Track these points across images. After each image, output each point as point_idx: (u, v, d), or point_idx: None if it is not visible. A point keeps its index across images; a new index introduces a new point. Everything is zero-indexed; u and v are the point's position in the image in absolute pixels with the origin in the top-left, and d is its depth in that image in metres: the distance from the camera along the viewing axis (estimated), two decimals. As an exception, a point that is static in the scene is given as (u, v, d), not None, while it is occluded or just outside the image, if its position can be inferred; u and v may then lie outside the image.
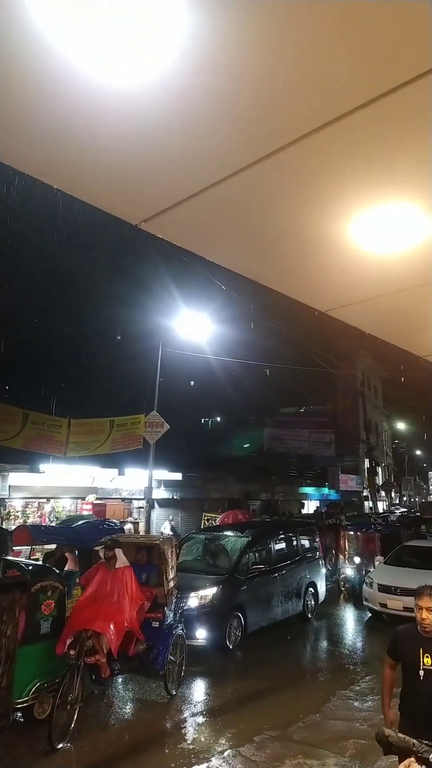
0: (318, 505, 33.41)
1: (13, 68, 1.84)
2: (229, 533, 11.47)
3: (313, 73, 1.85)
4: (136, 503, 21.32)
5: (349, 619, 12.55)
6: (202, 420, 39.07)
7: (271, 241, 2.93)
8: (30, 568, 6.61)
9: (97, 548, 7.33)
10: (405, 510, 38.02)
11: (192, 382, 29.76)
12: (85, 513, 17.11)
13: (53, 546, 9.87)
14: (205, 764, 5.52)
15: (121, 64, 1.80)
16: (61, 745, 5.68)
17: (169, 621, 7.43)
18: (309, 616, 11.75)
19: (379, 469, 44.61)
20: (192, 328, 19.89)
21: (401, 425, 55.99)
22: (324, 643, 10.84)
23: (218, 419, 39.40)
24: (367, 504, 37.61)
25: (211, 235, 2.87)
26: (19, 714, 5.95)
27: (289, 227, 2.76)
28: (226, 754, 5.73)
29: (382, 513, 30.88)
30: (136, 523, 19.71)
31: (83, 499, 18.32)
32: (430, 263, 2.94)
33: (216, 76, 1.86)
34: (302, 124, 2.05)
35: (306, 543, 12.55)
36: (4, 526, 14.45)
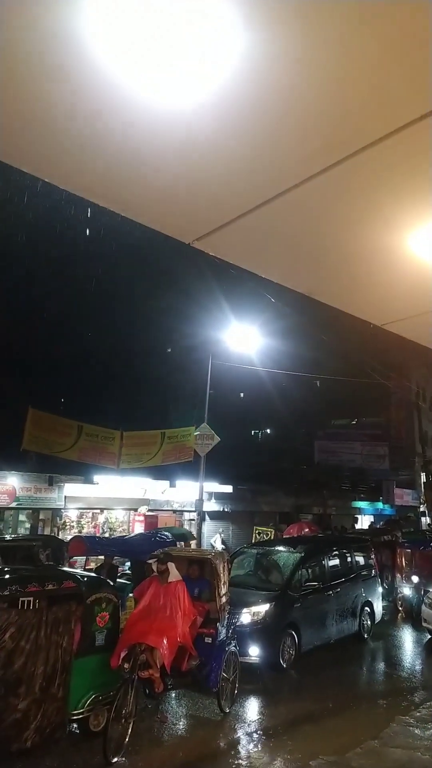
0: (372, 520, 32.53)
1: (69, 91, 1.88)
2: (281, 548, 11.30)
3: (367, 88, 1.82)
4: (187, 515, 21.38)
5: (408, 640, 12.09)
6: (252, 432, 38.87)
7: (324, 256, 2.90)
8: (85, 579, 6.70)
9: (150, 561, 7.36)
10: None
11: (242, 394, 29.75)
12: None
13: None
14: (260, 787, 5.40)
15: (175, 83, 1.82)
16: (115, 759, 5.69)
17: (221, 637, 7.35)
18: (365, 636, 11.39)
19: (437, 484, 43.04)
20: (241, 340, 19.91)
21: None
22: (381, 665, 10.47)
23: (268, 431, 39.11)
24: (425, 520, 36.33)
25: (264, 252, 2.86)
26: (75, 725, 6.01)
27: (343, 242, 2.73)
28: (281, 777, 5.59)
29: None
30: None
31: (136, 510, 18.53)
32: None
33: (268, 93, 1.85)
34: (357, 139, 2.03)
35: (361, 560, 12.20)
36: (60, 537, 14.78)
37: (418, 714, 7.46)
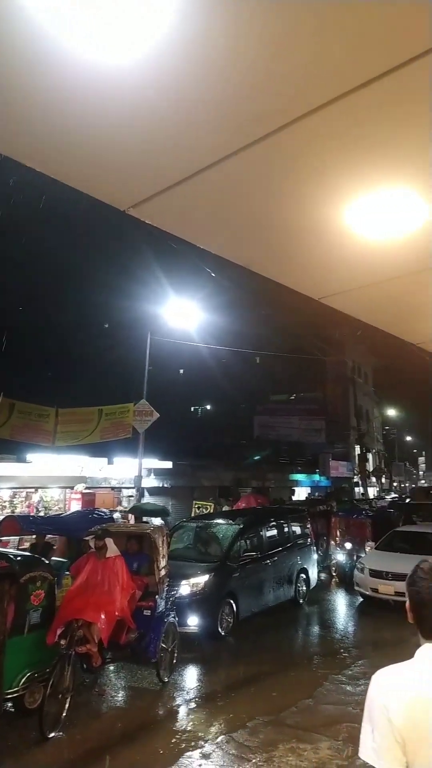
0: (309, 491, 33.57)
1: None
2: (220, 521, 11.46)
3: (306, 55, 1.77)
4: (125, 492, 21.26)
5: (341, 604, 12.63)
6: (192, 408, 39.02)
7: (263, 227, 2.85)
8: (19, 558, 6.53)
9: (87, 538, 7.26)
10: (396, 496, 38.31)
11: (181, 371, 29.69)
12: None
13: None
14: (199, 750, 5.52)
15: (110, 39, 1.70)
16: (52, 734, 5.65)
17: (160, 609, 7.40)
18: (301, 601, 11.81)
19: (370, 456, 44.94)
20: (181, 315, 19.77)
21: (392, 411, 56.35)
22: (316, 629, 10.90)
23: (208, 407, 39.38)
24: (358, 490, 37.88)
25: (201, 221, 2.78)
26: (10, 704, 5.90)
27: (281, 213, 2.69)
28: (219, 739, 5.73)
29: (370, 499, 31.09)
30: (125, 512, 19.65)
31: (72, 488, 18.21)
32: (427, 249, 2.87)
33: (208, 55, 1.77)
34: (296, 106, 1.98)
35: (297, 529, 12.58)
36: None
37: (349, 672, 7.83)
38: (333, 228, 2.77)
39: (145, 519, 15.91)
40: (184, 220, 2.79)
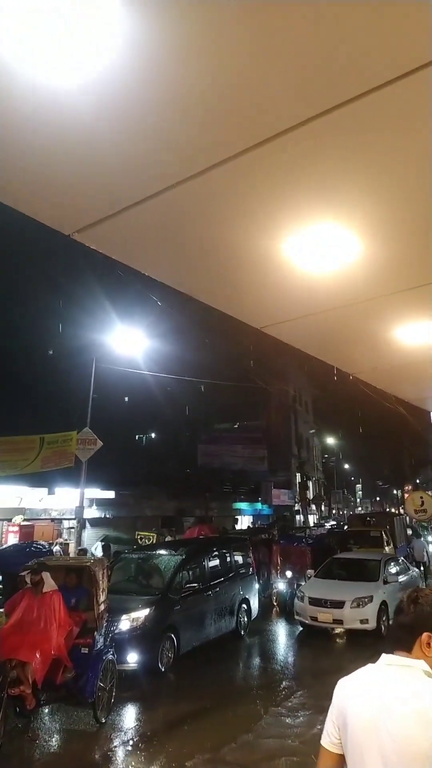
0: (251, 520, 33.67)
1: None
2: (162, 552, 11.30)
3: (252, 88, 1.83)
4: (66, 523, 20.64)
5: (282, 633, 12.63)
6: (136, 437, 38.58)
7: (206, 256, 2.92)
8: None
9: (23, 573, 6.99)
10: (334, 523, 38.98)
11: (126, 398, 29.38)
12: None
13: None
14: (136, 794, 5.34)
15: (61, 61, 1.72)
16: (-20, 787, 5.33)
17: (99, 646, 7.17)
18: (242, 633, 11.71)
19: (310, 484, 45.68)
20: (127, 342, 19.69)
21: (330, 440, 57.69)
22: (257, 660, 10.84)
23: (152, 436, 39.05)
24: (299, 518, 38.30)
25: (146, 248, 2.83)
26: None
27: (223, 243, 2.76)
28: (157, 782, 5.57)
29: (308, 527, 31.48)
30: (66, 545, 19.06)
31: (9, 520, 17.52)
32: (360, 282, 3.03)
33: (155, 81, 1.81)
34: (241, 139, 2.04)
35: (239, 559, 12.56)
36: None
37: (289, 704, 7.81)
38: (273, 259, 2.87)
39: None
40: (129, 246, 2.82)
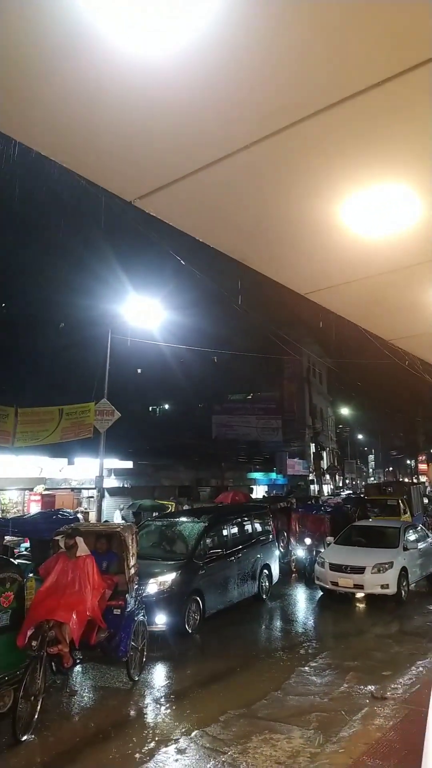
0: (266, 489, 34.01)
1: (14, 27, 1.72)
2: (185, 519, 11.51)
3: (316, 57, 1.85)
4: (85, 493, 21.02)
5: (302, 598, 12.90)
6: (151, 408, 38.87)
7: (261, 223, 2.94)
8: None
9: (57, 537, 7.19)
10: (350, 492, 39.26)
11: (139, 370, 29.50)
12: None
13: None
14: (173, 746, 5.56)
15: (136, 32, 1.72)
16: (25, 738, 5.58)
17: (130, 608, 7.39)
18: (264, 597, 11.99)
19: (324, 454, 45.89)
20: (142, 314, 19.66)
21: (345, 410, 57.68)
22: (280, 623, 11.10)
23: (167, 407, 39.30)
24: (314, 487, 38.60)
25: (203, 215, 2.85)
26: (-20, 709, 5.78)
27: (279, 210, 2.77)
28: (193, 734, 5.79)
29: (324, 496, 31.79)
30: (86, 513, 19.44)
31: (31, 490, 17.88)
32: (420, 244, 3.01)
33: (221, 57, 1.83)
34: (297, 109, 2.07)
35: (259, 526, 12.76)
36: None
37: (314, 664, 8.04)
38: (328, 225, 2.88)
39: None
40: (186, 213, 2.84)
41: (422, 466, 56.51)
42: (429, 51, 1.81)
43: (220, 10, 1.66)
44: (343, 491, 42.13)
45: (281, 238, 3.04)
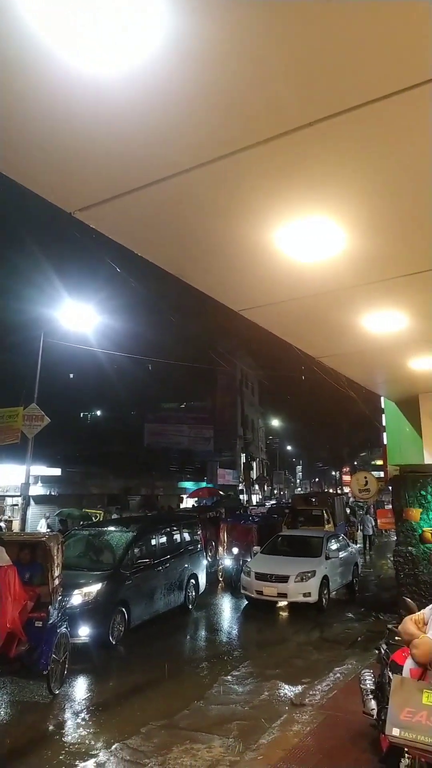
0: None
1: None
2: (113, 528, 11.40)
3: (263, 89, 1.95)
4: (9, 500, 20.29)
5: (228, 607, 13.05)
6: (82, 414, 38.10)
7: (202, 241, 3.04)
8: None
9: (-24, 548, 6.94)
10: (275, 502, 40.05)
11: (72, 375, 28.91)
12: None
13: None
14: (93, 760, 5.49)
15: (97, 50, 1.78)
16: None
17: (52, 620, 7.23)
18: (190, 607, 12.02)
19: (254, 464, 46.60)
20: (77, 318, 19.33)
21: (275, 422, 58.93)
22: (204, 633, 11.17)
23: (98, 413, 38.66)
24: (243, 497, 39.04)
25: (142, 231, 2.91)
26: None
27: (220, 230, 2.89)
28: (113, 747, 5.73)
29: (249, 506, 32.32)
30: (9, 522, 18.79)
31: None
32: (343, 271, 3.22)
33: (170, 78, 1.90)
34: (238, 139, 2.18)
35: (188, 536, 12.83)
36: None
37: (237, 673, 8.16)
38: (262, 248, 3.02)
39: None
40: (127, 228, 2.89)
41: (346, 478, 58.53)
42: (352, 99, 1.96)
43: (168, 34, 1.74)
44: (270, 501, 42.95)
45: (219, 258, 3.16)
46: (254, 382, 51.23)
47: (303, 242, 2.92)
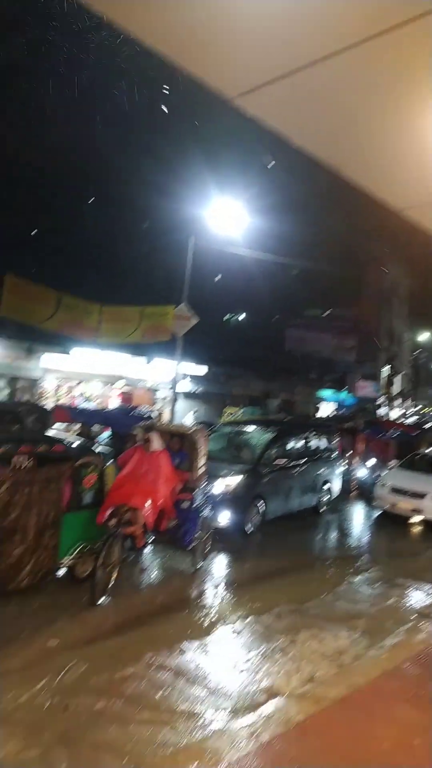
0: (335, 407, 33.97)
1: None
2: (254, 428, 11.88)
3: None
4: (160, 394, 21.89)
5: (360, 516, 13.28)
6: (226, 316, 38.85)
7: (360, 129, 2.80)
8: (74, 445, 7.01)
9: (135, 432, 7.70)
10: (418, 418, 38.57)
11: (218, 277, 29.23)
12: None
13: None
14: (230, 626, 6.16)
15: None
16: (100, 601, 6.33)
17: (197, 503, 7.94)
18: (323, 510, 12.44)
19: (397, 379, 44.79)
20: (224, 219, 19.14)
21: (424, 335, 55.28)
22: (335, 534, 11.57)
23: (244, 316, 39.11)
24: (382, 411, 38.14)
25: (303, 118, 2.73)
26: (64, 571, 6.59)
27: (382, 116, 2.63)
28: (248, 620, 6.35)
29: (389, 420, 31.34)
30: (159, 414, 20.37)
31: (112, 384, 18.83)
32: None
33: None
34: (403, 10, 1.89)
35: (325, 443, 12.99)
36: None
37: (367, 575, 8.43)
38: (429, 137, 2.70)
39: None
40: (287, 114, 2.73)
41: None
42: None
43: None
44: (411, 418, 41.40)
45: (379, 149, 2.87)
46: (405, 292, 47.93)
47: None
